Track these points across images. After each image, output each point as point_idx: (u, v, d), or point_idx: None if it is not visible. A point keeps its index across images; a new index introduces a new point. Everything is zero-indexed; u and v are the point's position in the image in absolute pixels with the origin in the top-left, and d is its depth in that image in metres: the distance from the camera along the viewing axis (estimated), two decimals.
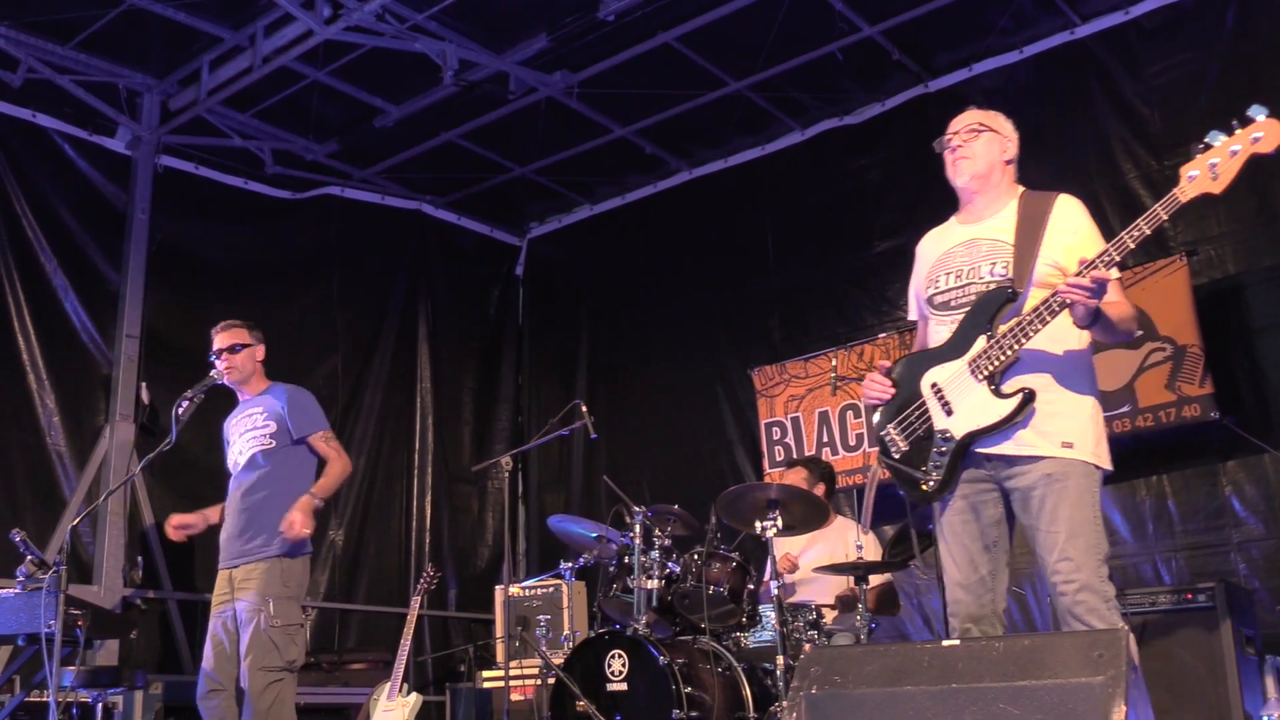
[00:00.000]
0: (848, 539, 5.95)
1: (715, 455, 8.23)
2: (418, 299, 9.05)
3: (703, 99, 7.81)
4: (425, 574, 6.91)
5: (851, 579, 5.47)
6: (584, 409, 6.21)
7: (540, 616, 6.67)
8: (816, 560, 5.85)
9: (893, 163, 7.68)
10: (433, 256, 9.22)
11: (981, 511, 3.58)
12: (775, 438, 7.73)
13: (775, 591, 5.02)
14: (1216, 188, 3.20)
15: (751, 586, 5.37)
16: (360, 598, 8.22)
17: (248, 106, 7.70)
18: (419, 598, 6.79)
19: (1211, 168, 3.19)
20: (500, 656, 6.80)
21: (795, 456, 7.32)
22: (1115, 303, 3.46)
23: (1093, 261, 3.28)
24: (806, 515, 5.43)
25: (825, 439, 7.46)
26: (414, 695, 6.47)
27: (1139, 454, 6.43)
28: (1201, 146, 3.22)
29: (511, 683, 6.25)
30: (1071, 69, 7.09)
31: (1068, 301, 3.32)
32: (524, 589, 7.09)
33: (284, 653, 4.85)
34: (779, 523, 5.12)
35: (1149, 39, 6.82)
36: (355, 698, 6.97)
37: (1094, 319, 3.37)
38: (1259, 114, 3.17)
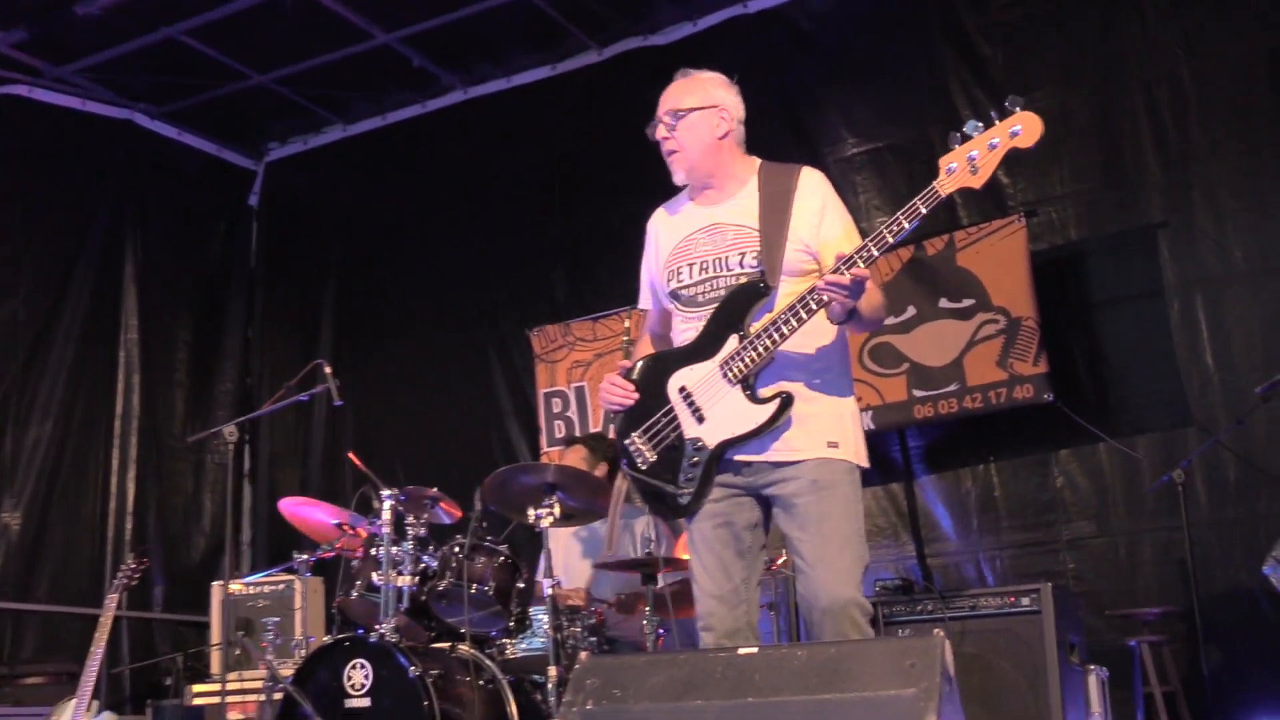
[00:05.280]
0: (635, 531, 6.03)
1: (483, 430, 8.24)
2: (124, 230, 8.78)
3: (483, 4, 7.74)
4: (125, 566, 6.71)
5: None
6: (327, 370, 6.13)
7: (267, 619, 6.53)
8: (598, 555, 5.91)
9: None
10: (145, 178, 8.95)
11: (735, 516, 3.77)
12: (555, 411, 7.77)
13: (549, 591, 5.05)
14: (976, 182, 3.51)
15: (521, 585, 5.38)
16: (40, 595, 7.95)
17: None
18: (116, 595, 6.59)
19: (970, 161, 3.50)
20: (216, 667, 6.68)
21: (578, 433, 7.37)
22: (869, 290, 3.63)
23: (850, 257, 3.49)
24: (590, 502, 5.47)
25: None
26: (106, 714, 6.30)
27: (966, 439, 6.74)
28: (959, 137, 3.52)
29: (229, 699, 6.13)
30: None
31: (825, 300, 3.52)
32: (248, 585, 6.97)
33: None
34: (556, 511, 5.14)
35: None
36: (30, 719, 6.73)
37: (850, 314, 3.57)
38: (1016, 105, 3.48)
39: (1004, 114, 3.47)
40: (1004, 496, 6.67)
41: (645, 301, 4.13)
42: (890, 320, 6.62)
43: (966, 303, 6.61)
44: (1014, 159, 6.79)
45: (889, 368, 6.72)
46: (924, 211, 3.49)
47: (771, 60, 7.47)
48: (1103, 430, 6.39)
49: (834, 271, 3.48)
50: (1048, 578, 5.83)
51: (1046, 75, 6.79)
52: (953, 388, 6.57)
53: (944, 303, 6.67)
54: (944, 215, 6.87)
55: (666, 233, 4.00)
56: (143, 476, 8.55)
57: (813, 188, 3.81)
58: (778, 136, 6.99)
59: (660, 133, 3.92)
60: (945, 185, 3.50)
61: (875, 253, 3.48)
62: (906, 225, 3.49)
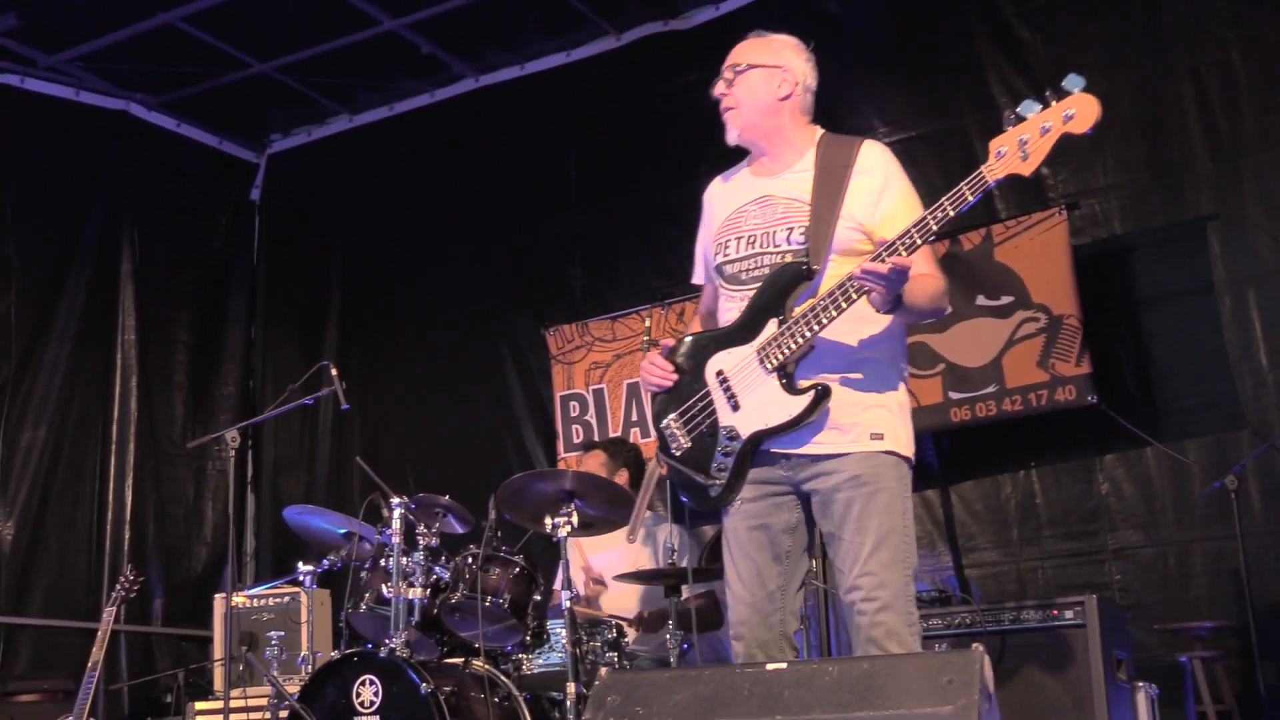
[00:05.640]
0: (658, 540, 6.03)
1: (497, 435, 8.25)
2: (120, 226, 8.80)
3: None
4: (123, 578, 6.74)
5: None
6: (334, 372, 6.16)
7: (272, 633, 6.56)
8: (619, 566, 5.91)
9: None
10: (142, 172, 8.97)
11: (773, 517, 3.74)
12: (573, 414, 7.77)
13: (567, 604, 5.05)
14: (1026, 169, 3.42)
15: (538, 598, 5.39)
16: (35, 609, 7.97)
17: None
18: (114, 609, 6.62)
19: (1021, 145, 3.41)
20: (219, 684, 6.68)
21: (596, 438, 7.38)
22: (922, 276, 3.61)
23: (892, 244, 3.45)
24: (609, 511, 5.48)
25: (635, 417, 7.53)
26: None
27: (1005, 443, 6.72)
28: (1013, 117, 3.44)
29: (232, 717, 6.14)
30: None
31: (865, 287, 3.47)
32: (251, 598, 6.98)
33: None
34: (574, 520, 5.15)
35: None
36: None
37: (896, 304, 3.53)
38: (1075, 86, 3.39)
39: (1060, 94, 3.39)
40: (1046, 504, 6.65)
41: (699, 276, 4.11)
42: None
43: (1005, 300, 6.60)
44: (1055, 149, 6.81)
45: (923, 369, 6.70)
46: (970, 199, 3.43)
47: None
48: (1150, 434, 6.36)
49: (874, 259, 3.44)
50: (1093, 589, 5.82)
51: (1088, 60, 6.76)
52: (991, 390, 6.56)
53: (981, 300, 6.66)
54: (981, 208, 6.81)
55: (720, 203, 3.99)
56: (141, 484, 8.56)
57: (873, 163, 3.78)
58: None
59: (719, 88, 3.92)
60: (994, 170, 3.42)
61: (919, 240, 3.44)
62: (952, 212, 3.43)
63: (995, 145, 3.44)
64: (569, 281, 8.25)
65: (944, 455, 6.93)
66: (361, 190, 9.21)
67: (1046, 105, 3.40)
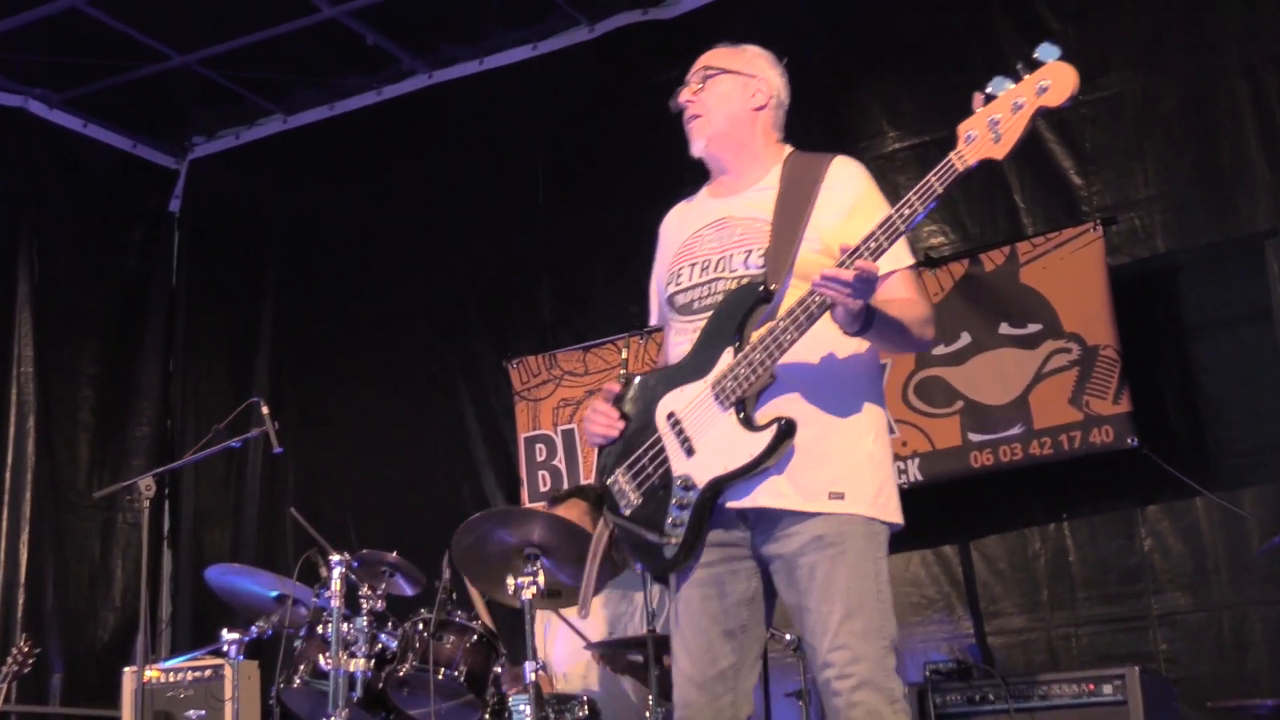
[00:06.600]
0: (636, 604, 6.02)
1: (452, 482, 8.24)
2: (16, 241, 8.80)
3: None
4: (15, 650, 6.72)
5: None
6: (265, 410, 6.16)
7: (191, 712, 6.55)
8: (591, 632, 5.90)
9: None
10: (42, 179, 9.00)
11: (728, 586, 3.71)
12: (539, 458, 7.75)
13: (532, 676, 5.04)
14: (999, 151, 3.42)
15: (499, 669, 5.38)
16: None
17: None
18: (4, 686, 6.59)
19: (992, 126, 3.41)
20: None
21: (569, 485, 7.36)
22: (900, 300, 3.61)
23: (856, 249, 3.42)
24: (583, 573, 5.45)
25: None
26: None
27: (1033, 492, 6.71)
28: (984, 98, 3.44)
29: None
30: None
31: (827, 301, 3.45)
32: (167, 672, 6.94)
33: None
34: (541, 579, 5.13)
35: None
36: None
37: (866, 323, 3.48)
38: (1048, 55, 3.39)
39: (1033, 66, 3.39)
40: (1080, 562, 6.64)
41: (654, 317, 4.13)
42: (940, 349, 6.61)
43: (1032, 328, 6.60)
44: (1089, 155, 6.83)
45: (939, 406, 6.70)
46: (939, 190, 3.41)
47: (798, 39, 7.48)
48: (1199, 481, 6.36)
49: (838, 265, 3.39)
50: (1135, 661, 5.80)
51: (1127, 55, 6.80)
52: (1016, 431, 6.55)
53: (1005, 328, 6.67)
54: (1005, 224, 6.88)
55: (675, 230, 4.02)
56: (38, 539, 8.52)
57: (844, 180, 3.79)
58: (805, 130, 6.92)
59: (684, 95, 3.97)
60: (964, 157, 3.41)
61: (885, 243, 3.42)
62: (920, 208, 3.42)
63: (964, 129, 3.44)
64: (535, 307, 8.26)
65: (963, 506, 6.91)
66: (298, 201, 9.22)
67: (1019, 79, 3.41)
